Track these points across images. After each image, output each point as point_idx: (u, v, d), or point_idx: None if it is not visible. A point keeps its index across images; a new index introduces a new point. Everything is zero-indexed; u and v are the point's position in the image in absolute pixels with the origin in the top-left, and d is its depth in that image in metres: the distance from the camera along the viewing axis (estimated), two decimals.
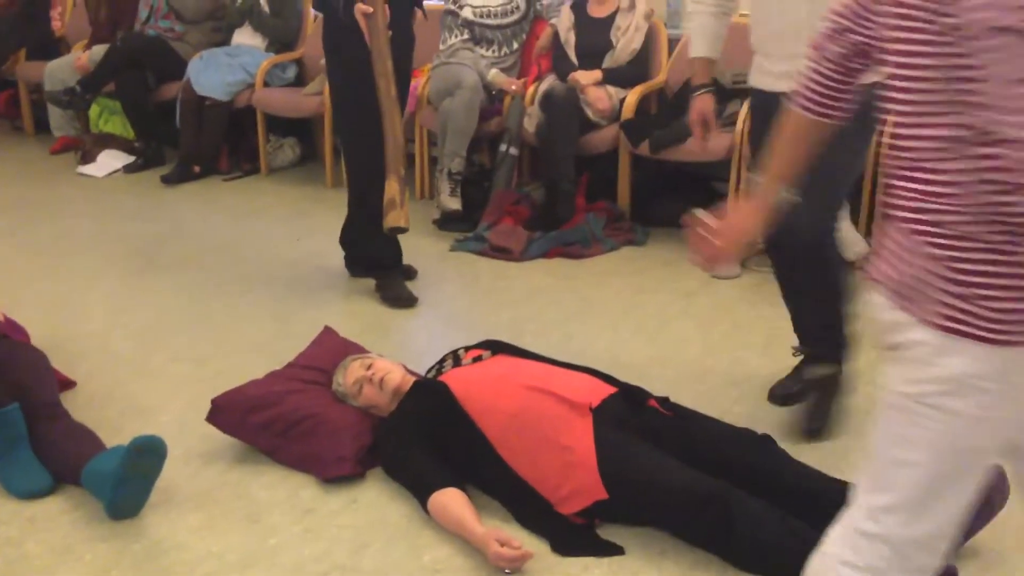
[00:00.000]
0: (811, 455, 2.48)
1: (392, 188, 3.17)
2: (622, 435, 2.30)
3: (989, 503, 2.08)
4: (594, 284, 3.86)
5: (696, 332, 3.38)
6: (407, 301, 3.65)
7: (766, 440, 2.35)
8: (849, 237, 3.57)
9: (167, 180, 5.42)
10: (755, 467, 2.26)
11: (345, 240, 3.89)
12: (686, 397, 2.69)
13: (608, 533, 2.24)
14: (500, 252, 4.16)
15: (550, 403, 2.36)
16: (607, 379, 2.52)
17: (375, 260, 3.75)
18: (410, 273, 3.91)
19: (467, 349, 2.70)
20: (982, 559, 2.12)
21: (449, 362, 2.64)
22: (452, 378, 2.50)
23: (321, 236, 4.48)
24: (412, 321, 3.55)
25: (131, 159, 5.72)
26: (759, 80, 2.67)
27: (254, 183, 5.50)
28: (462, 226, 4.45)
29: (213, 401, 2.59)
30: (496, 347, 2.68)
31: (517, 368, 2.52)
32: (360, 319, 3.55)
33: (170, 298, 3.76)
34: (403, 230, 3.17)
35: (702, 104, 2.81)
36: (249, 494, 2.45)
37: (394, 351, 3.18)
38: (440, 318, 3.58)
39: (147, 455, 2.31)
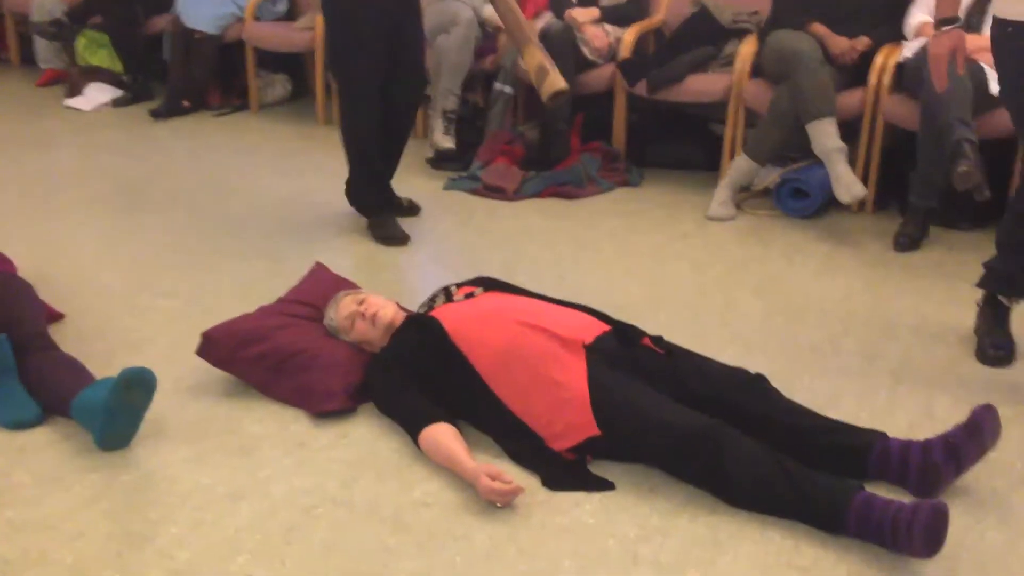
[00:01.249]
0: (803, 395, 2.47)
1: (535, 56, 3.04)
2: (615, 373, 2.29)
3: (981, 440, 2.09)
4: (588, 224, 3.83)
5: (690, 273, 3.36)
6: (399, 240, 3.62)
7: (759, 380, 2.34)
8: (846, 180, 3.54)
9: (156, 115, 5.34)
10: (748, 406, 2.25)
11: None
12: (679, 337, 2.67)
13: (599, 469, 2.24)
14: (493, 191, 4.13)
15: (542, 339, 2.34)
16: (601, 317, 2.50)
17: (366, 203, 3.71)
18: (413, 209, 3.87)
19: (459, 285, 2.67)
20: (974, 496, 2.12)
21: (441, 298, 2.62)
22: (443, 314, 2.48)
23: (312, 173, 4.44)
24: (404, 259, 3.52)
25: (119, 93, 5.64)
26: None
27: (244, 119, 5.42)
28: (455, 165, 4.41)
29: (203, 334, 2.57)
30: (488, 284, 2.66)
31: (509, 304, 2.49)
32: (352, 256, 3.52)
33: (159, 234, 3.71)
34: (564, 92, 3.05)
35: (950, 41, 2.47)
36: (239, 427, 2.44)
37: (386, 288, 3.16)
38: (432, 256, 3.55)
39: (137, 387, 2.29)
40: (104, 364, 2.63)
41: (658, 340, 2.46)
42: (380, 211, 3.69)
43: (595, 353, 2.32)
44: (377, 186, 3.70)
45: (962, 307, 3.02)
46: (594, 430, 2.22)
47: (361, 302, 2.61)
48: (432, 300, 2.64)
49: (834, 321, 2.98)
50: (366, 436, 2.40)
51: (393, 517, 2.10)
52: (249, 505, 2.14)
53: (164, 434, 2.40)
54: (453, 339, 2.40)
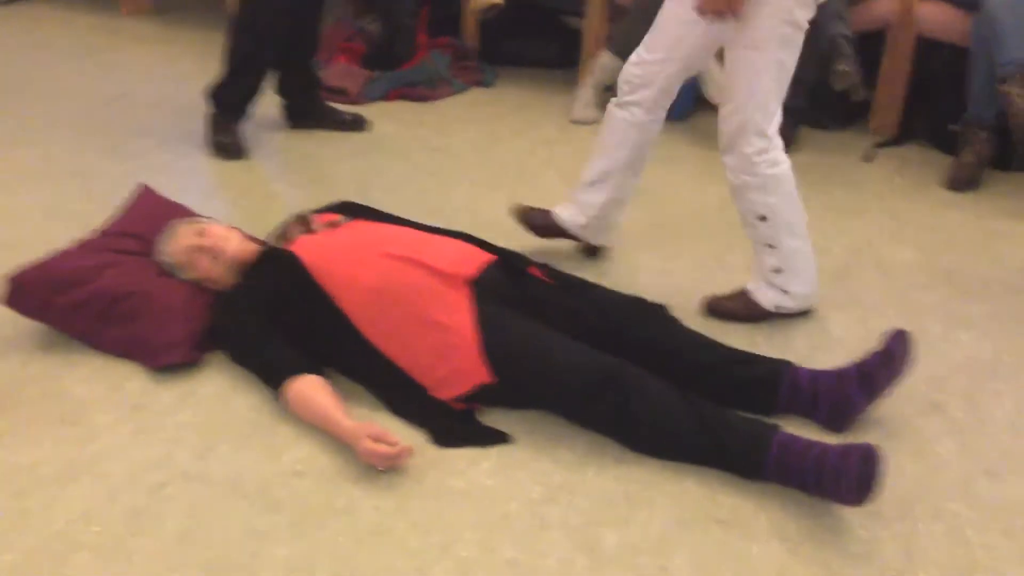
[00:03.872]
0: (696, 320, 2.31)
1: None
2: (504, 309, 2.04)
3: (894, 368, 1.97)
4: (444, 131, 3.51)
5: (561, 184, 3.12)
6: (233, 151, 3.20)
7: (659, 310, 2.14)
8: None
9: None
10: (650, 340, 2.06)
11: None
12: (560, 260, 2.45)
13: (491, 419, 2.00)
14: (335, 93, 3.72)
15: (419, 274, 2.05)
16: (481, 245, 2.23)
17: (226, 99, 3.25)
18: (358, 123, 3.47)
19: (318, 212, 2.34)
20: (885, 427, 2.02)
21: (297, 228, 2.27)
22: (302, 247, 2.15)
23: (121, 73, 3.90)
24: (241, 175, 3.12)
25: None
26: None
27: (28, 9, 4.74)
28: None
29: (10, 279, 2.14)
30: (352, 210, 2.33)
31: (379, 235, 2.18)
32: (178, 174, 3.08)
33: None
34: (496, 7, 2.68)
35: None
36: (61, 390, 2.06)
37: (222, 212, 2.78)
38: (274, 171, 3.16)
39: None
40: None
41: (545, 268, 2.22)
42: (233, 116, 3.26)
43: (480, 288, 2.06)
44: (249, 87, 3.24)
45: (841, 214, 2.93)
46: (484, 377, 1.97)
47: (201, 233, 2.24)
48: (286, 230, 2.29)
49: (716, 234, 2.83)
50: (217, 393, 2.07)
51: (259, 492, 1.80)
52: (82, 488, 1.79)
53: None
54: (315, 276, 2.08)
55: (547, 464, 1.90)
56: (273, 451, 1.91)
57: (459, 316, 2.01)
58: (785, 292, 2.35)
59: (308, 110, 3.47)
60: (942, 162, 3.33)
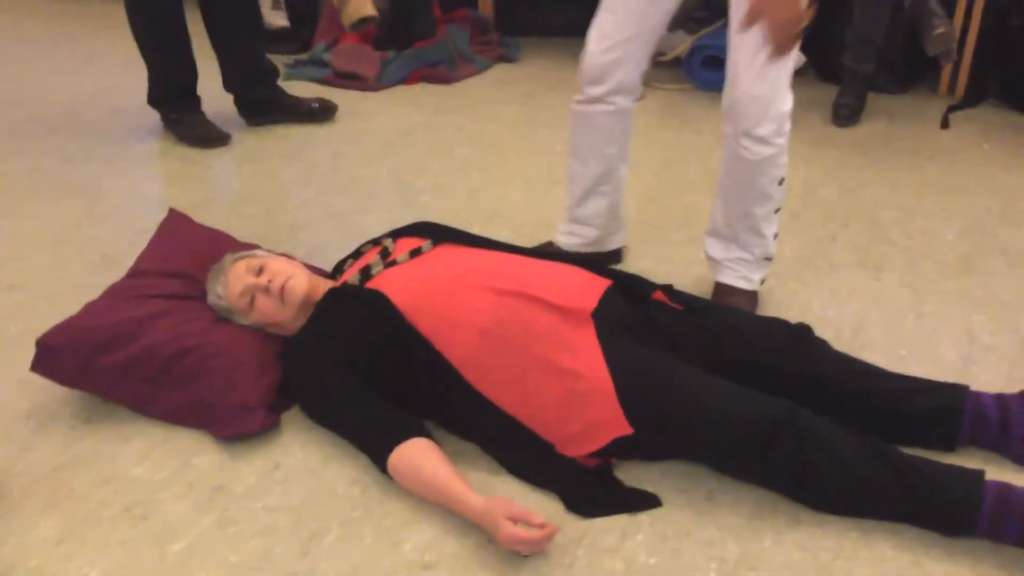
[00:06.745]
0: (821, 329, 2.04)
1: None
2: (636, 345, 1.75)
3: None
4: (478, 117, 3.17)
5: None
6: (213, 139, 2.89)
7: (806, 333, 1.86)
8: None
9: None
10: (803, 370, 1.78)
11: None
12: (646, 262, 2.17)
13: (629, 475, 1.72)
14: (349, 79, 3.38)
15: (535, 311, 1.75)
16: (592, 268, 1.93)
17: (163, 91, 2.90)
18: (328, 111, 3.09)
19: (395, 237, 2.01)
20: None
21: (376, 259, 1.95)
22: (390, 284, 1.83)
23: (102, 64, 3.51)
24: (264, 183, 2.77)
25: None
26: None
27: None
28: (292, 46, 3.60)
29: (40, 342, 1.80)
30: (436, 233, 2.00)
31: (476, 264, 1.87)
32: (193, 186, 2.73)
33: None
34: (371, 20, 2.45)
35: None
36: (118, 473, 1.73)
37: (254, 229, 2.43)
38: (299, 175, 2.81)
39: None
40: None
41: (669, 290, 1.93)
42: (183, 106, 2.92)
43: (604, 321, 1.76)
44: (177, 71, 2.89)
45: (942, 193, 2.66)
46: (625, 428, 1.68)
47: (260, 270, 1.91)
48: (363, 260, 1.97)
49: (812, 224, 2.55)
50: (306, 465, 1.76)
51: None
52: None
53: (9, 500, 1.66)
54: (410, 320, 1.77)
55: (712, 531, 1.62)
56: (389, 538, 1.61)
57: (588, 358, 1.71)
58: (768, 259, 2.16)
59: (263, 103, 3.07)
60: None
